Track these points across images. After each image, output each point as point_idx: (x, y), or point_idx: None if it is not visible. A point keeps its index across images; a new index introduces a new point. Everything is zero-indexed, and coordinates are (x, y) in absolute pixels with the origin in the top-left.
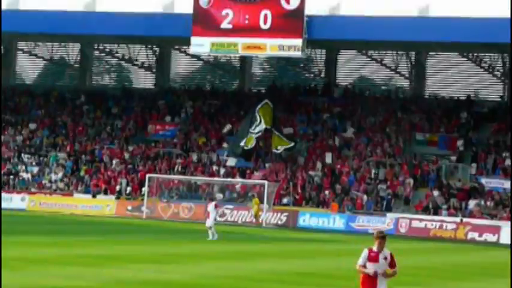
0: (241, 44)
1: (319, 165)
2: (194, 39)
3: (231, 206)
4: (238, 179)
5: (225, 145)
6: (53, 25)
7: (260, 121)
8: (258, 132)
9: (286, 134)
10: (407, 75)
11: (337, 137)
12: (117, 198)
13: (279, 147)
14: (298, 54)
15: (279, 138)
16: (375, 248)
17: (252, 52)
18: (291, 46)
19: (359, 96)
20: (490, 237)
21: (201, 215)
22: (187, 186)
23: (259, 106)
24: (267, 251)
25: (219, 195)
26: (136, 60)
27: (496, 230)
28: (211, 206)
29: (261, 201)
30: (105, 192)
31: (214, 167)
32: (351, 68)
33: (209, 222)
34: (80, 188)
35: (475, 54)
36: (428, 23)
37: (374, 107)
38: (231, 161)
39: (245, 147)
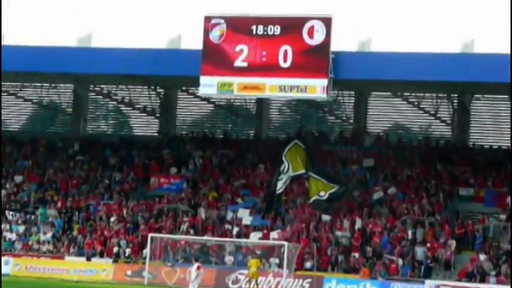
0: (265, 85)
1: (346, 224)
2: (204, 79)
3: (246, 272)
4: (253, 240)
5: (239, 200)
6: (42, 63)
7: (288, 168)
8: (284, 183)
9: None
10: (448, 122)
11: (368, 192)
12: (115, 261)
13: (321, 193)
14: (323, 96)
15: (320, 182)
16: None
17: (276, 94)
18: (315, 87)
19: (393, 146)
20: None
21: (211, 280)
22: (195, 248)
23: (286, 149)
24: None
25: (229, 259)
26: (137, 103)
27: None
28: (193, 268)
29: (280, 266)
30: (101, 255)
31: (227, 226)
32: (383, 113)
33: (192, 285)
34: (73, 250)
35: None
36: (473, 61)
37: (410, 157)
38: (246, 219)
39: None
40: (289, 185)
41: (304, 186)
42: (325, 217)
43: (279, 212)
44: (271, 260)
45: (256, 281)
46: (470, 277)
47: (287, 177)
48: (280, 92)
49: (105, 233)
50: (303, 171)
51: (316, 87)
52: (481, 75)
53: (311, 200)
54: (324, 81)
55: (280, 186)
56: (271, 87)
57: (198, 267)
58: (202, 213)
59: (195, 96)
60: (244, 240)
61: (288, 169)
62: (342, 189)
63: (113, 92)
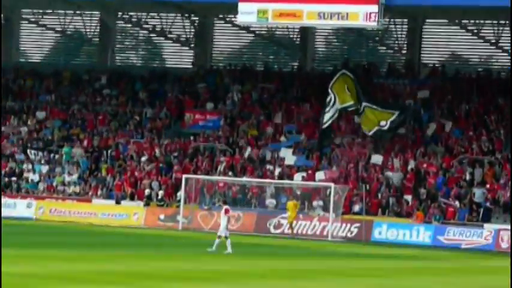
0: (303, 12)
1: (398, 164)
2: (242, 6)
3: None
4: (298, 181)
5: (281, 139)
6: None
7: (335, 100)
8: (331, 117)
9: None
10: (510, 51)
11: (422, 129)
12: (147, 204)
13: (382, 123)
14: (373, 24)
15: (377, 111)
16: None
17: (315, 22)
18: (365, 14)
19: (450, 78)
20: None
21: (251, 225)
22: (233, 191)
23: (333, 80)
24: (335, 269)
25: (271, 202)
26: (170, 33)
27: None
28: (222, 212)
29: (326, 209)
30: (132, 198)
31: (268, 166)
32: (439, 42)
33: (220, 230)
34: (101, 193)
35: None
36: None
37: (469, 91)
38: (289, 159)
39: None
40: (336, 121)
41: (351, 123)
42: (376, 157)
43: (325, 151)
44: (316, 203)
45: (291, 224)
46: None
47: (334, 111)
48: (319, 20)
49: (136, 173)
50: (352, 102)
51: (358, 14)
52: None
53: (371, 132)
54: (374, 8)
55: (326, 119)
56: (310, 14)
57: (226, 211)
58: (241, 152)
59: (233, 25)
60: (286, 181)
61: (334, 102)
62: (404, 116)
63: (143, 20)
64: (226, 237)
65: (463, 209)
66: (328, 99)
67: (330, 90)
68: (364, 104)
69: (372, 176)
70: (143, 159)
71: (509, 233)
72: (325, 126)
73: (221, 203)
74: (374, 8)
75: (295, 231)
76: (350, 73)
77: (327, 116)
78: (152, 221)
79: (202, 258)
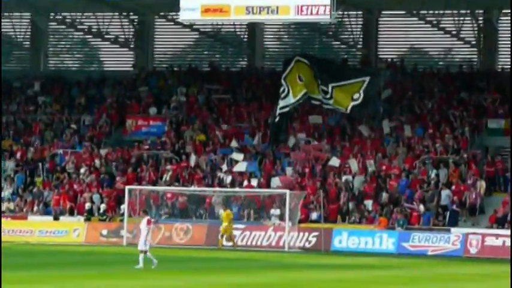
0: (230, 7)
1: (357, 166)
2: (185, 2)
3: (241, 226)
4: (248, 189)
5: (232, 143)
6: None
7: (288, 92)
8: (284, 108)
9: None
10: (473, 43)
11: (381, 128)
12: (88, 219)
13: (355, 96)
14: (326, 18)
15: (347, 86)
16: None
17: (263, 18)
18: (316, 7)
19: (410, 73)
20: None
21: (201, 238)
22: (181, 201)
23: (287, 70)
24: (292, 281)
25: (221, 212)
26: (107, 33)
27: None
28: (143, 222)
29: (281, 218)
30: (71, 213)
31: (218, 174)
32: (397, 35)
33: (140, 244)
34: (37, 208)
35: None
36: None
37: (430, 86)
38: (240, 166)
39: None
40: (289, 120)
41: (305, 123)
42: (334, 160)
43: (279, 156)
44: (271, 211)
45: (230, 236)
46: (502, 223)
47: (287, 103)
48: (247, 15)
49: (75, 186)
50: (305, 90)
51: (289, 8)
52: None
53: (348, 110)
54: (326, 0)
55: (278, 112)
56: (238, 9)
57: (149, 222)
58: (188, 159)
59: (175, 23)
60: (238, 189)
61: (287, 94)
62: (376, 79)
63: (77, 20)
64: (145, 252)
65: (428, 212)
66: (281, 90)
67: (283, 81)
68: (330, 85)
69: (329, 180)
70: (82, 170)
71: (478, 237)
72: (277, 119)
73: (142, 214)
74: (326, 1)
75: (235, 241)
76: (305, 59)
77: (282, 103)
78: (94, 237)
79: (150, 276)
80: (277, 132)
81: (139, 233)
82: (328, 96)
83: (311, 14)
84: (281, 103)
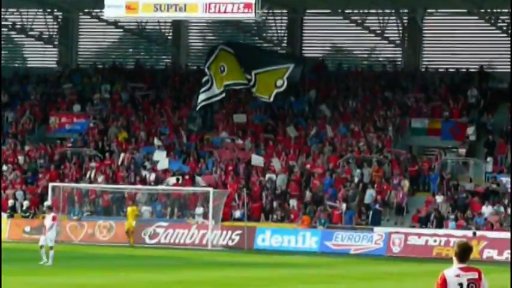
0: (151, 5)
1: (280, 165)
2: None
3: (164, 224)
4: (172, 187)
5: (156, 141)
6: None
7: (211, 83)
8: (206, 99)
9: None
10: (397, 42)
11: (304, 127)
12: (10, 216)
13: (278, 82)
14: (250, 16)
15: (270, 72)
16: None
17: (187, 15)
18: (196, 6)
19: (334, 72)
20: None
21: (124, 236)
22: (105, 199)
23: (211, 59)
24: (216, 280)
25: (147, 209)
26: (31, 30)
27: None
28: (48, 218)
29: (205, 216)
30: None
31: (142, 172)
32: (321, 34)
33: (42, 239)
34: None
35: (489, 10)
36: None
37: (354, 85)
38: (163, 163)
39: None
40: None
41: (229, 120)
42: (256, 158)
43: (203, 154)
44: (195, 210)
45: (128, 232)
46: (425, 222)
47: (210, 94)
48: (156, 12)
49: None
50: (233, 81)
51: (197, 6)
52: None
53: (272, 97)
54: None
55: (200, 100)
56: (145, 7)
57: (54, 218)
58: (111, 157)
59: (99, 20)
60: (161, 187)
61: (211, 85)
62: (300, 66)
63: (1, 17)
64: (51, 248)
65: (351, 211)
66: (204, 79)
67: (206, 70)
68: (253, 72)
69: (253, 178)
70: (5, 167)
71: (401, 236)
72: (198, 107)
73: (47, 210)
74: None
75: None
76: (229, 47)
77: (201, 97)
78: (17, 233)
79: (72, 273)
80: (204, 121)
81: (44, 229)
82: (251, 84)
83: (232, 12)
84: (203, 95)
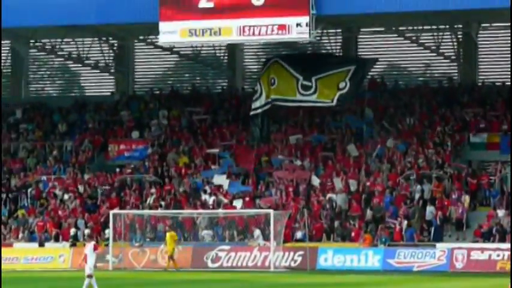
0: (227, 28)
1: (340, 184)
2: (164, 25)
3: (227, 247)
4: (233, 210)
5: (215, 166)
6: None
7: (260, 93)
8: (260, 106)
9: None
10: (453, 58)
11: (363, 146)
12: (73, 245)
13: (341, 85)
14: (305, 37)
15: (331, 76)
16: None
17: (221, 38)
18: (275, 27)
19: (390, 89)
20: None
21: (187, 260)
22: (167, 224)
23: (262, 72)
24: None
25: (208, 233)
26: (87, 59)
27: None
28: (89, 248)
29: (265, 238)
30: (56, 239)
31: (202, 195)
32: (377, 52)
33: (88, 268)
34: (22, 235)
35: None
36: None
37: (411, 102)
38: (224, 186)
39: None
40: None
41: (287, 142)
42: (314, 178)
43: (262, 176)
44: (256, 231)
45: (172, 257)
46: (488, 237)
47: (259, 105)
48: (191, 37)
49: (60, 212)
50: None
51: (232, 29)
52: (489, 1)
53: (335, 100)
54: (305, 19)
55: (254, 107)
56: (182, 32)
57: (95, 247)
58: (171, 182)
59: (155, 47)
60: (221, 210)
61: (260, 95)
62: (362, 68)
63: (57, 47)
64: (91, 276)
65: (412, 228)
66: (256, 87)
67: (258, 81)
68: (314, 78)
69: (312, 198)
70: (66, 196)
71: (464, 251)
72: (252, 113)
73: (87, 239)
74: (305, 19)
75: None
76: (283, 60)
77: (255, 104)
78: (80, 262)
79: None
80: (260, 131)
81: (85, 257)
82: (312, 90)
83: (288, 33)
84: (255, 103)
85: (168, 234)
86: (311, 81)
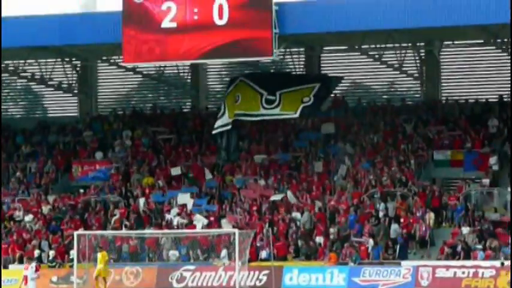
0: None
1: (305, 202)
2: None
3: (192, 267)
4: (199, 230)
5: (179, 185)
6: None
7: (223, 112)
8: (222, 126)
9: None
10: (416, 75)
11: (327, 164)
12: None
13: (305, 99)
14: (267, 56)
15: (296, 92)
16: None
17: (204, 59)
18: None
19: (353, 108)
20: None
21: (152, 281)
22: (131, 245)
23: (227, 91)
24: None
25: (173, 253)
26: (50, 80)
27: None
28: (30, 270)
29: (230, 257)
30: (21, 261)
31: (166, 216)
32: (339, 71)
33: None
34: None
35: (506, 40)
36: (442, 2)
37: (375, 120)
38: (188, 206)
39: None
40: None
41: (252, 163)
42: (276, 196)
43: (226, 195)
44: (223, 251)
45: (104, 279)
46: (453, 254)
47: (222, 124)
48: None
49: (23, 234)
50: (244, 112)
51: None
52: (451, 18)
53: (298, 112)
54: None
55: (217, 125)
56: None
57: (37, 268)
58: (136, 202)
59: (118, 67)
60: (186, 230)
61: (223, 113)
62: (329, 85)
63: (20, 68)
64: None
65: (378, 246)
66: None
67: (223, 101)
68: (278, 92)
69: (277, 218)
70: (29, 218)
71: (429, 269)
72: (214, 132)
73: (27, 261)
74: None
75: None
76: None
77: (217, 123)
78: (44, 284)
79: None
80: (226, 151)
81: (25, 281)
82: (275, 104)
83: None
84: (218, 122)
85: (99, 254)
86: (275, 96)
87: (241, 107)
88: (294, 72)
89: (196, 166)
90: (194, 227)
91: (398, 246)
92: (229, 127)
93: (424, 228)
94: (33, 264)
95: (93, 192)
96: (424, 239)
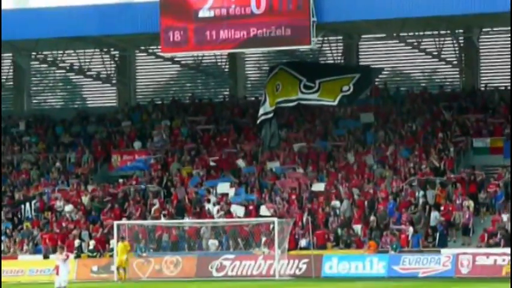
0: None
1: (344, 191)
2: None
3: (231, 256)
4: (237, 219)
5: (219, 173)
6: None
7: (264, 100)
8: (262, 116)
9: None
10: (455, 63)
11: (366, 153)
12: (77, 256)
13: (344, 88)
14: (305, 45)
15: (335, 81)
16: None
17: (242, 48)
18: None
19: (392, 96)
20: None
21: (192, 270)
22: (172, 234)
23: (267, 80)
24: None
25: (213, 242)
26: (89, 70)
27: None
28: (61, 258)
29: (270, 246)
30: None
31: (206, 206)
32: (378, 59)
33: (59, 281)
34: (26, 248)
35: None
36: None
37: (414, 108)
38: (228, 195)
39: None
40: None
41: (290, 151)
42: (318, 185)
43: (265, 186)
44: (262, 239)
45: (124, 269)
46: (493, 242)
47: (264, 111)
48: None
49: (63, 224)
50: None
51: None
52: (489, 5)
53: (337, 101)
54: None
55: (260, 113)
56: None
57: (67, 256)
58: (175, 192)
59: (156, 57)
60: (225, 219)
61: (264, 102)
62: (367, 76)
63: (59, 59)
64: None
65: (417, 234)
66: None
67: (264, 89)
68: (318, 81)
69: (316, 206)
70: (69, 208)
71: (469, 257)
72: (259, 120)
73: (59, 249)
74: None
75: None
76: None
77: (260, 111)
78: (85, 273)
79: None
80: (269, 138)
81: (57, 269)
82: (314, 89)
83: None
84: (261, 110)
85: (120, 244)
86: (314, 83)
87: (281, 94)
88: (332, 61)
89: (235, 155)
90: (233, 216)
91: (438, 234)
92: (271, 115)
93: (466, 216)
94: (64, 253)
95: (132, 182)
96: (465, 227)
